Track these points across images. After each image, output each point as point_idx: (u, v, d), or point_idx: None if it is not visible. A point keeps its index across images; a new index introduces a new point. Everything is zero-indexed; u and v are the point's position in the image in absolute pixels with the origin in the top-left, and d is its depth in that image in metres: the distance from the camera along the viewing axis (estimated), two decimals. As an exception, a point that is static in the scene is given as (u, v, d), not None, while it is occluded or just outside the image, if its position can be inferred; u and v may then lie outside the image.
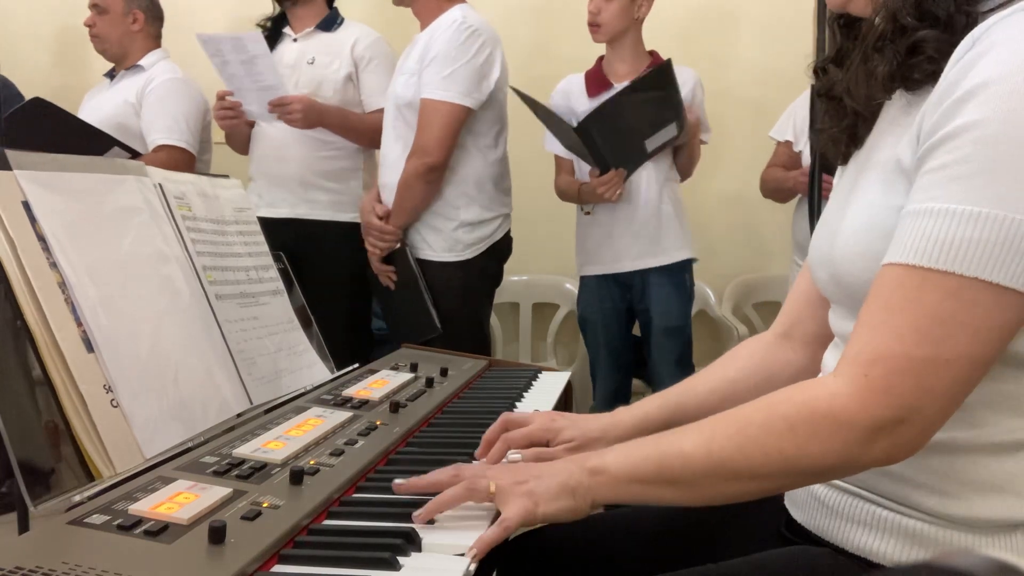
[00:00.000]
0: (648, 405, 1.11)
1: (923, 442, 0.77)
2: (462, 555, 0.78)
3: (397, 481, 0.90)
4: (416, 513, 0.84)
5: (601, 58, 2.64)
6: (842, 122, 0.93)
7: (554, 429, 1.06)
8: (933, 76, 0.79)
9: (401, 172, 2.36)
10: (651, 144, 2.47)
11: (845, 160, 0.96)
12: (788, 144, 2.74)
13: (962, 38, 0.77)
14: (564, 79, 2.67)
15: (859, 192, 0.88)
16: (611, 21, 2.50)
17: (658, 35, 2.66)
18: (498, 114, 2.47)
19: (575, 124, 2.38)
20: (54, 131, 2.61)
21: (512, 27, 2.67)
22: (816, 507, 0.91)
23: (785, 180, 2.66)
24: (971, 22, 0.79)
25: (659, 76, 2.34)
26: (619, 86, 2.56)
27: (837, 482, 0.89)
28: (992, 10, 0.78)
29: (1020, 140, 0.71)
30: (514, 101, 2.43)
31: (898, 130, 0.84)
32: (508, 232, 2.63)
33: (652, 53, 2.62)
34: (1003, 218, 0.71)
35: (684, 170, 2.64)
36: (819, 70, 0.97)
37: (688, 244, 2.61)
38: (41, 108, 2.62)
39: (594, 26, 2.51)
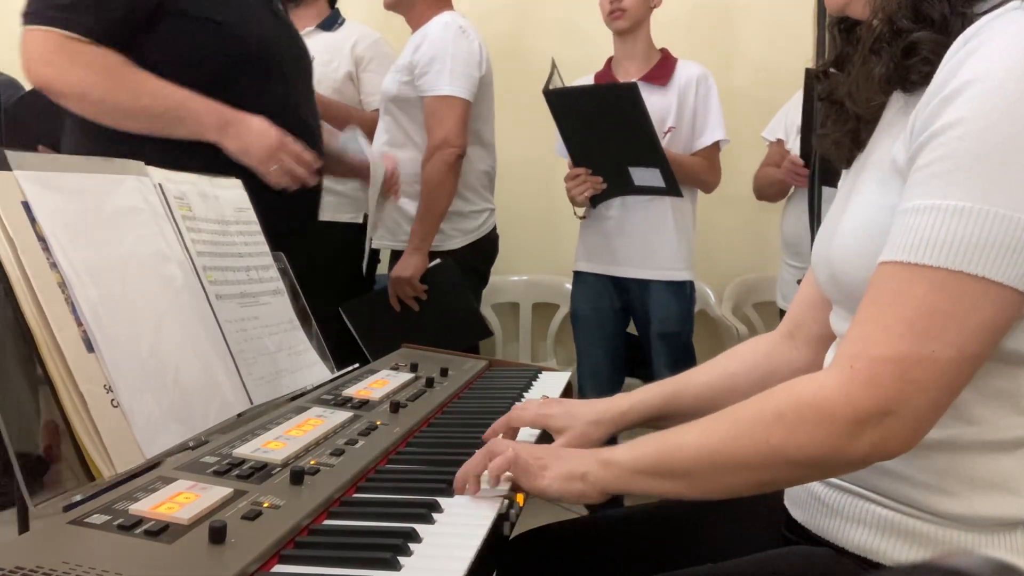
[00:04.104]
0: (645, 393, 1.12)
1: (914, 437, 0.76)
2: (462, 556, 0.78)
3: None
4: (454, 487, 0.92)
5: (611, 59, 2.62)
6: (845, 126, 0.93)
7: (546, 415, 1.08)
8: (929, 77, 0.79)
9: (425, 172, 2.40)
10: (637, 177, 2.41)
11: (848, 163, 0.96)
12: (780, 143, 2.72)
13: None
14: (576, 81, 2.65)
15: (857, 193, 0.88)
16: (635, 6, 2.47)
17: (664, 32, 2.64)
18: (481, 110, 2.49)
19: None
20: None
21: (489, 25, 2.66)
22: (816, 506, 0.91)
23: (776, 174, 2.62)
24: (967, 23, 0.79)
25: (623, 93, 2.27)
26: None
27: (837, 481, 0.89)
28: (987, 11, 0.79)
29: (1002, 135, 0.72)
30: (506, 101, 2.43)
31: (893, 130, 0.85)
32: (494, 229, 2.64)
33: (663, 51, 2.60)
34: (986, 212, 0.72)
35: (692, 186, 2.59)
36: (820, 74, 0.98)
37: (688, 265, 2.57)
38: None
39: (618, 11, 2.46)
